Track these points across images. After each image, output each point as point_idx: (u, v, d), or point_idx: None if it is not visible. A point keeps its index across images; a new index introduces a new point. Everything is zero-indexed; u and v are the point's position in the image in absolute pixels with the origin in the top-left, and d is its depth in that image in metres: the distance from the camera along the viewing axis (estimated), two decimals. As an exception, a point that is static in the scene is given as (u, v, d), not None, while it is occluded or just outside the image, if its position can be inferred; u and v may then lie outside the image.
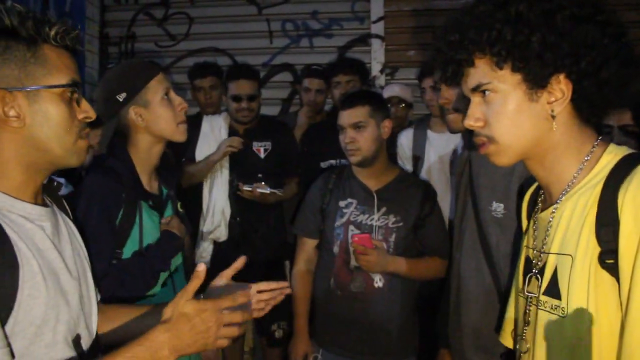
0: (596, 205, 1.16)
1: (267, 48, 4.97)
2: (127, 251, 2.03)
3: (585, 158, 1.23)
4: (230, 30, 4.99)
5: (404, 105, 3.79)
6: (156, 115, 2.04)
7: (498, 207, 1.94)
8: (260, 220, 3.51)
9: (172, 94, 2.08)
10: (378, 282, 2.56)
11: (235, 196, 3.45)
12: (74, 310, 1.26)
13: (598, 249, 1.14)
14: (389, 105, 3.61)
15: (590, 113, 1.23)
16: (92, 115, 1.29)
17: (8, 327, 1.11)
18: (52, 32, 1.20)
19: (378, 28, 4.77)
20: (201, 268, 1.34)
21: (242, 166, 3.49)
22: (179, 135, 2.09)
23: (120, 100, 2.03)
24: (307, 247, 2.80)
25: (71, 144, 1.24)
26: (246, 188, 3.36)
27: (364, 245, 2.48)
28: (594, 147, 1.23)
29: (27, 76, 1.18)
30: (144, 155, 2.09)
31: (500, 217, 1.94)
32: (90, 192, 2.00)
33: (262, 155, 3.58)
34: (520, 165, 1.85)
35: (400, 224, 2.58)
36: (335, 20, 4.87)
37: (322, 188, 2.75)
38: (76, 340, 1.25)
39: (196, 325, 1.25)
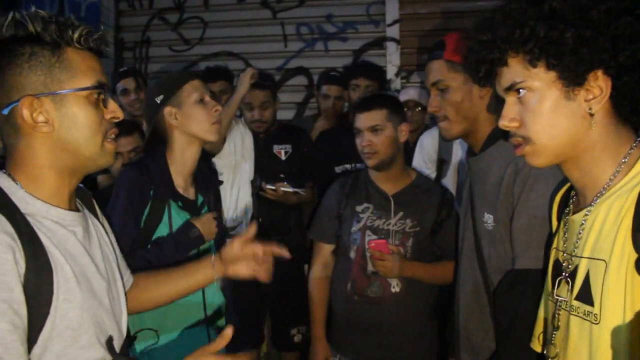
0: (633, 210, 1.11)
1: (282, 52, 4.94)
2: None
3: (623, 160, 1.18)
4: (244, 34, 4.97)
5: (420, 108, 3.75)
6: (188, 115, 2.18)
7: (489, 219, 1.85)
8: (281, 223, 3.53)
9: (207, 98, 2.23)
10: (395, 287, 2.54)
11: (257, 196, 3.45)
12: (106, 313, 1.30)
13: (635, 255, 1.10)
14: (405, 109, 3.58)
15: (631, 111, 1.18)
16: (120, 115, 1.31)
17: (45, 332, 1.13)
18: (76, 35, 1.21)
19: (393, 31, 4.73)
20: (228, 331, 1.34)
21: (263, 168, 3.51)
22: (211, 134, 2.22)
23: (158, 102, 2.20)
24: (324, 252, 2.79)
25: (99, 145, 1.26)
26: (269, 187, 3.36)
27: (380, 250, 2.46)
28: (632, 148, 1.19)
29: (53, 81, 1.19)
30: (179, 155, 2.22)
31: (490, 230, 1.85)
32: (120, 184, 2.17)
33: (283, 157, 3.61)
34: (508, 175, 1.78)
35: (418, 228, 2.56)
36: (350, 23, 4.83)
37: (338, 193, 2.73)
38: (109, 342, 1.28)
39: None
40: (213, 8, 5.06)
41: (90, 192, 1.48)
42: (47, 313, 1.13)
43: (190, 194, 2.27)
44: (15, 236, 1.10)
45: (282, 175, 3.49)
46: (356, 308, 2.59)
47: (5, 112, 1.19)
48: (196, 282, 1.75)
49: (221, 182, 2.70)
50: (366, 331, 2.57)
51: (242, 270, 1.74)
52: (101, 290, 1.29)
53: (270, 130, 3.60)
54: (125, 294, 1.45)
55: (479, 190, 1.95)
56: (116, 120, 1.31)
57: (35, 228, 1.16)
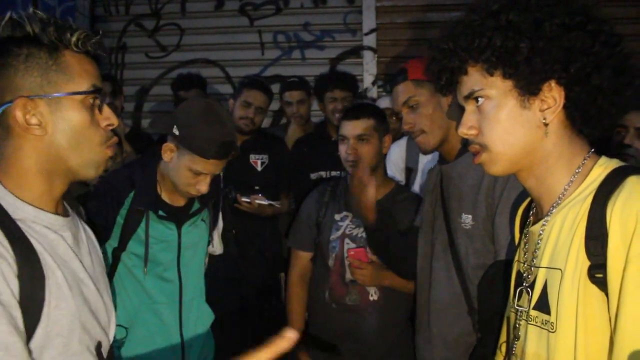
0: (586, 219, 1.15)
1: (259, 60, 4.96)
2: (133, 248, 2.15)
3: (576, 170, 1.22)
4: (221, 42, 4.98)
5: (396, 117, 3.78)
6: (177, 168, 2.12)
7: (467, 219, 1.94)
8: (256, 234, 3.50)
9: (202, 177, 2.12)
10: (373, 295, 2.56)
11: (231, 208, 3.43)
12: (96, 319, 1.27)
13: (587, 263, 1.13)
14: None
15: (583, 123, 1.23)
16: (114, 121, 1.28)
17: (37, 340, 1.11)
18: (74, 38, 1.19)
19: (370, 40, 4.78)
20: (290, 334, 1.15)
21: (238, 179, 3.47)
22: (179, 195, 2.21)
23: (173, 131, 2.09)
24: (302, 260, 2.79)
25: (93, 152, 1.24)
26: (244, 199, 3.34)
27: (359, 259, 2.47)
28: (585, 159, 1.23)
29: (49, 83, 1.17)
30: (170, 172, 2.17)
31: (469, 228, 1.94)
32: (98, 186, 2.16)
33: (259, 168, 3.59)
34: (487, 178, 1.87)
35: (395, 237, 2.57)
36: (327, 32, 4.87)
37: (318, 201, 2.73)
38: (98, 348, 1.27)
39: None
40: (190, 15, 5.05)
41: (76, 201, 1.44)
42: (39, 320, 1.11)
43: (179, 201, 2.24)
44: (7, 243, 1.08)
45: (257, 187, 3.47)
46: (334, 316, 2.60)
47: None
48: None
49: (222, 189, 2.64)
50: (344, 339, 2.57)
51: None
52: (91, 296, 1.27)
53: (247, 138, 3.59)
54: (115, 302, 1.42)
55: (454, 193, 2.02)
56: (111, 128, 1.28)
57: (27, 234, 1.14)
